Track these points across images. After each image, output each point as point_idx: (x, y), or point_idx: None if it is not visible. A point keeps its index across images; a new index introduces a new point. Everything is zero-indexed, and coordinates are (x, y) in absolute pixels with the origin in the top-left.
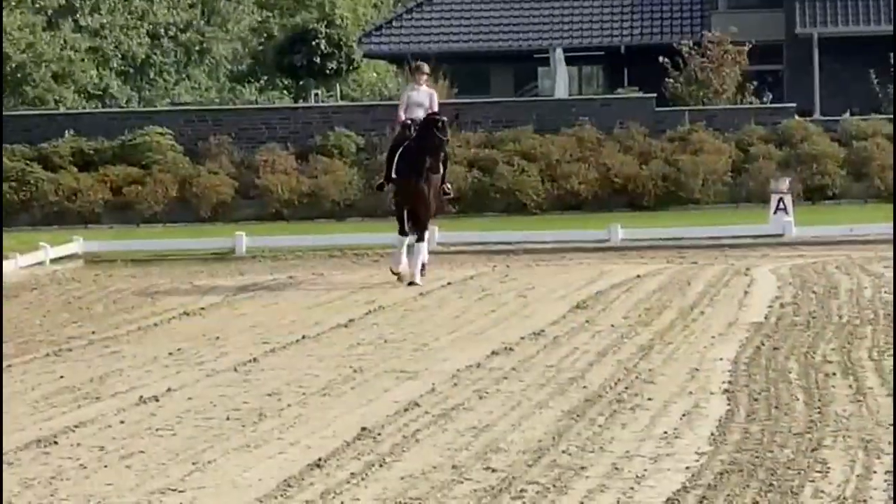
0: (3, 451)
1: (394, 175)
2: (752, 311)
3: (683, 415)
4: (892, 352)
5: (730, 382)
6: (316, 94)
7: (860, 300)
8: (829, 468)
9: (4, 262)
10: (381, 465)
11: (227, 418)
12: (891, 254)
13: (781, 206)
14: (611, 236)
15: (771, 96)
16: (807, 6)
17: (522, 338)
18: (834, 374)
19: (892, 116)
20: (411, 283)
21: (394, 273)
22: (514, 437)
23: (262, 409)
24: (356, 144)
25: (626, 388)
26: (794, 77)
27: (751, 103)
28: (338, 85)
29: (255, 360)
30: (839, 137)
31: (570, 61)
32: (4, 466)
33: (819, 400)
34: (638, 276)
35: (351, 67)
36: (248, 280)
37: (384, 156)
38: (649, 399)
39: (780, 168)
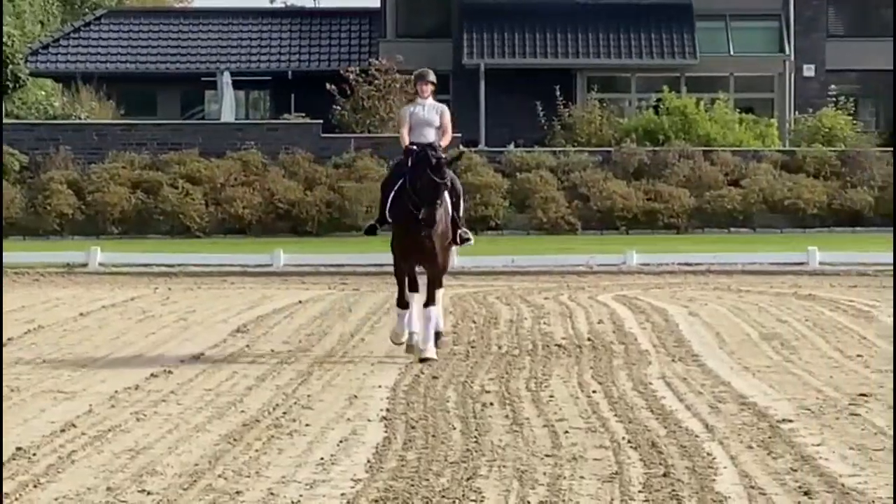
0: None
1: (388, 218)
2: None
3: (341, 441)
4: (547, 383)
5: (388, 410)
6: None
7: (520, 331)
8: (483, 497)
9: None
10: (35, 486)
11: None
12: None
13: None
14: (274, 261)
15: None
16: (474, 37)
17: (182, 361)
18: (491, 403)
19: (555, 149)
20: (423, 360)
21: (396, 344)
22: (170, 460)
23: None
24: (20, 162)
25: (285, 413)
26: (460, 107)
27: None
28: (3, 103)
29: None
30: (503, 168)
31: (237, 85)
32: None
33: (476, 429)
34: (300, 302)
35: (17, 85)
36: None
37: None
38: (307, 425)
39: None
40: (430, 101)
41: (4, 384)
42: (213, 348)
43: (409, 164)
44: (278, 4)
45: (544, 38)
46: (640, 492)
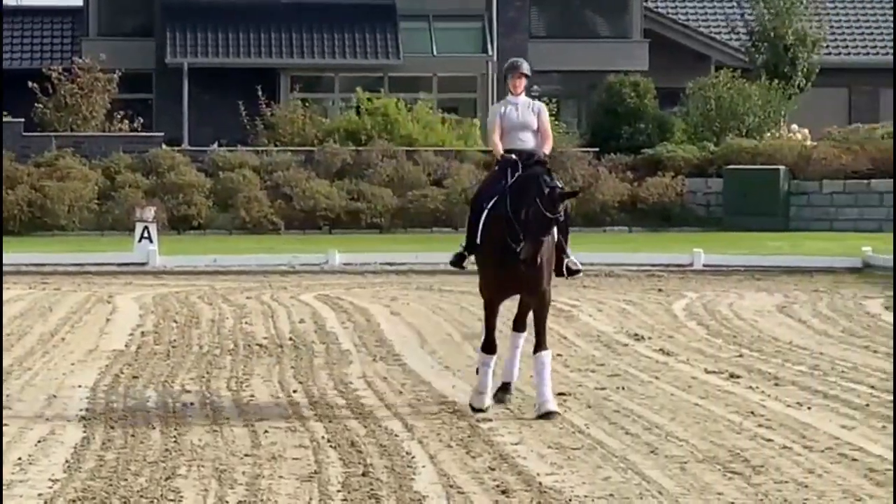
0: None
1: (478, 241)
2: (113, 338)
3: (39, 441)
4: (248, 383)
5: (87, 410)
6: None
7: (221, 330)
8: (182, 497)
9: None
10: None
11: None
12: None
13: (146, 234)
14: None
15: (141, 122)
16: (178, 36)
17: None
18: (192, 403)
19: (258, 149)
20: (547, 414)
21: (476, 410)
22: None
23: None
24: None
25: None
26: (163, 106)
27: (119, 130)
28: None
29: None
30: (206, 168)
31: None
32: None
33: (175, 429)
34: None
35: None
36: None
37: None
38: (5, 425)
39: (147, 197)
40: (524, 97)
41: None
42: None
43: (512, 184)
44: None
45: (248, 38)
46: (338, 491)
